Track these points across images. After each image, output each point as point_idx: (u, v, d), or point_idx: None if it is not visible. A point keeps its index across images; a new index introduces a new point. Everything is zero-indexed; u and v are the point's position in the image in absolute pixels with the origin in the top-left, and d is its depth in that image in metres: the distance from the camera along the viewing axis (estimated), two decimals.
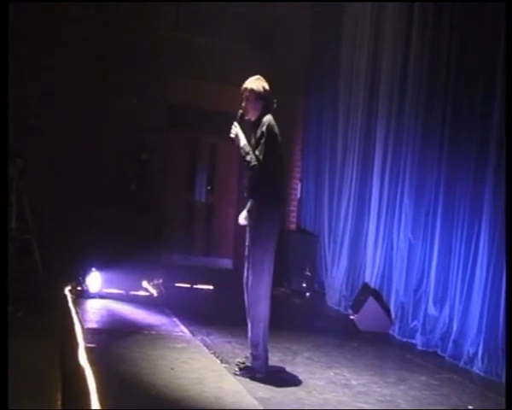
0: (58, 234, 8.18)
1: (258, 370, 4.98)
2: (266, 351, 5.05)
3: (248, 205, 5.05)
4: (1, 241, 4.22)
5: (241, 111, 5.06)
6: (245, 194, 5.15)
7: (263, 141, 4.90)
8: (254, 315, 4.98)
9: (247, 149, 4.95)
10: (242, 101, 5.05)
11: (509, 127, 5.26)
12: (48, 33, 9.18)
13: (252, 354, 5.03)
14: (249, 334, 5.04)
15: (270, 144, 4.91)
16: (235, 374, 4.97)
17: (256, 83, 5.03)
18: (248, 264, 5.04)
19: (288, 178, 10.44)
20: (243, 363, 5.10)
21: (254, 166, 4.90)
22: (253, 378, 4.91)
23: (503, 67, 5.86)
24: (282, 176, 5.32)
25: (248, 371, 4.98)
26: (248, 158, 4.92)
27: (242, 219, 5.09)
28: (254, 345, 5.00)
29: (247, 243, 5.10)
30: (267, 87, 5.06)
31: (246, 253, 5.10)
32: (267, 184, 4.95)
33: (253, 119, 5.05)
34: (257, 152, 4.92)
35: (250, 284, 4.98)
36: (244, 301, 5.11)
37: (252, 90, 5.00)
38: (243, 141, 4.97)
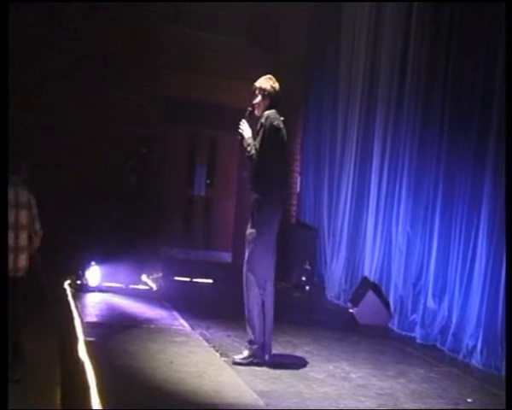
0: (57, 228, 8.17)
1: (254, 355, 5.08)
2: (264, 337, 5.13)
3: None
4: (1, 239, 4.21)
5: (249, 109, 5.35)
6: (247, 186, 5.34)
7: (261, 132, 5.17)
8: (248, 300, 5.13)
9: (250, 141, 5.22)
10: (253, 98, 5.35)
11: (509, 127, 5.24)
12: (46, 24, 9.15)
13: (248, 339, 5.13)
14: (246, 319, 5.18)
15: (268, 136, 5.15)
16: (234, 362, 5.05)
17: (266, 82, 5.34)
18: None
19: (289, 171, 10.42)
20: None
21: (253, 155, 5.16)
22: (250, 364, 5.01)
23: (502, 61, 5.85)
24: (282, 169, 5.48)
25: (246, 358, 5.08)
26: (249, 149, 5.19)
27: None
28: (250, 330, 5.13)
29: (247, 233, 5.23)
30: (276, 87, 5.36)
31: (246, 244, 5.25)
32: (267, 175, 5.15)
33: (260, 115, 5.31)
34: (255, 142, 5.18)
35: (244, 269, 5.16)
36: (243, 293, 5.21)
37: (261, 89, 5.31)
38: (248, 134, 5.25)
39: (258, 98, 5.29)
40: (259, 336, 5.11)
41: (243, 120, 5.30)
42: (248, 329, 5.15)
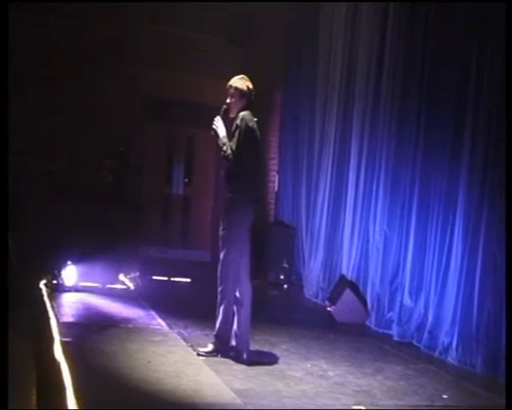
0: (33, 227, 8.10)
1: (218, 351, 5.20)
2: (227, 332, 5.25)
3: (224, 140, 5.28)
4: (1, 241, 4.14)
5: (225, 106, 5.36)
6: (224, 186, 5.37)
7: (237, 133, 5.21)
8: (220, 299, 5.24)
9: (225, 140, 5.25)
10: (227, 97, 5.36)
11: (509, 127, 5.25)
12: (25, 27, 9.05)
13: (215, 334, 5.28)
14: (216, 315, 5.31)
15: (244, 137, 5.20)
16: (198, 354, 5.17)
17: (241, 82, 5.35)
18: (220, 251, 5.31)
19: (265, 171, 10.44)
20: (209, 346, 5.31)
21: (229, 155, 5.19)
22: (213, 357, 5.15)
23: (476, 61, 5.93)
24: (257, 169, 5.63)
25: (209, 352, 5.21)
26: (224, 148, 5.22)
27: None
28: (218, 326, 5.26)
29: (220, 233, 5.32)
30: (251, 86, 5.38)
31: (220, 243, 5.34)
32: (242, 175, 5.22)
33: (234, 115, 5.34)
34: (231, 143, 5.21)
35: (219, 269, 5.24)
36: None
37: (236, 89, 5.32)
38: (222, 133, 5.27)
39: (234, 98, 5.30)
40: (223, 332, 5.23)
41: (218, 117, 5.31)
42: (216, 324, 5.26)
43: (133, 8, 9.74)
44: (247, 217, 5.30)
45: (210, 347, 5.25)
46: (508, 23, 5.29)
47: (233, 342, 5.27)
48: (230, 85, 5.33)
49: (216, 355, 5.19)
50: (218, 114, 5.34)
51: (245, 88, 5.31)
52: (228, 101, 5.33)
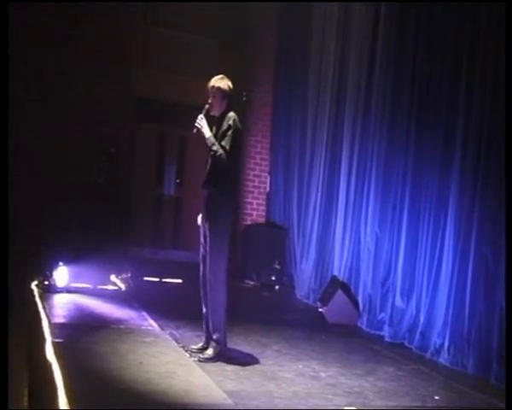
0: (25, 228, 8.06)
1: (220, 354, 5.16)
2: (225, 336, 5.24)
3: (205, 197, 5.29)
4: (2, 241, 4.12)
5: (207, 106, 5.34)
6: (202, 184, 5.32)
7: (229, 133, 5.19)
8: (215, 300, 5.20)
9: (213, 140, 5.21)
10: (209, 97, 5.34)
11: (509, 128, 5.28)
12: (16, 26, 8.99)
13: (213, 339, 5.20)
14: (210, 320, 5.25)
15: (234, 138, 5.21)
16: (200, 361, 5.09)
17: (223, 82, 5.35)
18: (206, 252, 5.29)
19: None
20: (201, 349, 5.26)
21: (221, 155, 5.15)
22: (215, 362, 5.09)
23: (467, 64, 5.96)
24: (239, 170, 5.53)
25: (211, 357, 5.14)
26: (215, 148, 5.17)
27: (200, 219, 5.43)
28: (216, 330, 5.19)
29: (202, 231, 5.35)
30: (231, 86, 5.40)
31: (201, 239, 5.36)
32: (226, 174, 5.22)
33: (217, 115, 5.34)
34: (223, 143, 5.18)
35: (208, 271, 5.22)
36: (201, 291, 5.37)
37: (219, 89, 5.31)
38: (209, 133, 5.24)
39: (216, 98, 5.29)
40: (223, 336, 5.21)
41: (201, 116, 5.26)
42: (213, 329, 5.20)
43: (127, 8, 9.72)
44: (231, 217, 5.33)
45: (210, 352, 5.18)
46: (508, 23, 5.29)
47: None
48: (213, 86, 5.31)
49: (217, 360, 5.12)
50: (200, 114, 5.31)
51: (227, 88, 5.32)
52: (210, 100, 5.32)
